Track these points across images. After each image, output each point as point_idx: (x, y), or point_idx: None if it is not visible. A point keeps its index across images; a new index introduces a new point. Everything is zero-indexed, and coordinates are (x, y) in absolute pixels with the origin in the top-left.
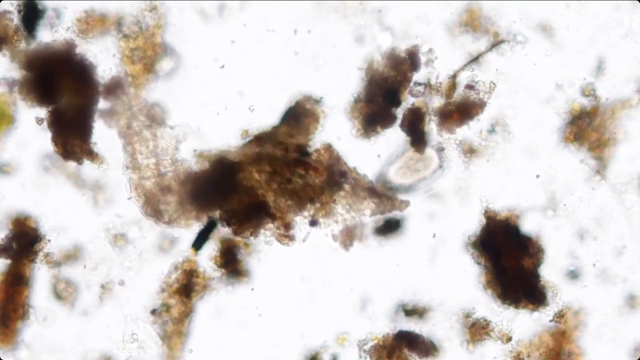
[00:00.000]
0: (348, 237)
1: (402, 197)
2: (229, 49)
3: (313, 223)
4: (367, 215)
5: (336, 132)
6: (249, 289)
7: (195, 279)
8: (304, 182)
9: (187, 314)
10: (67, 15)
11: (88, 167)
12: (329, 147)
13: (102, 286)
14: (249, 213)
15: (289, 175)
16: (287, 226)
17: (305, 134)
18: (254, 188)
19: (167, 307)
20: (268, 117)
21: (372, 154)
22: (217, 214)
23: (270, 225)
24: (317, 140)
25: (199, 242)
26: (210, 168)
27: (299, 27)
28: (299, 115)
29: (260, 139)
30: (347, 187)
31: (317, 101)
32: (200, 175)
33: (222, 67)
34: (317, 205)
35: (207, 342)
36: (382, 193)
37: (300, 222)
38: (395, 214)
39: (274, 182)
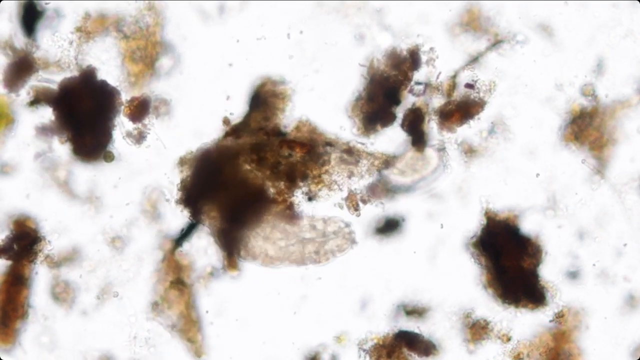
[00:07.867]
0: (353, 201)
1: (402, 197)
2: (229, 47)
3: (310, 198)
4: (366, 176)
5: (336, 129)
6: (249, 289)
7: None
8: (290, 161)
9: (188, 301)
10: (67, 15)
11: (80, 176)
12: (305, 122)
13: (101, 289)
14: (248, 204)
15: (277, 158)
16: (291, 207)
17: (277, 115)
18: (246, 179)
19: (168, 303)
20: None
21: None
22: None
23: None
24: (291, 118)
25: (180, 240)
26: (194, 171)
27: (299, 27)
28: (266, 98)
29: (236, 130)
30: (334, 155)
31: (280, 82)
32: (189, 181)
33: (228, 98)
34: (310, 180)
35: (206, 343)
36: (364, 151)
37: (301, 200)
38: (395, 214)
39: (264, 168)
